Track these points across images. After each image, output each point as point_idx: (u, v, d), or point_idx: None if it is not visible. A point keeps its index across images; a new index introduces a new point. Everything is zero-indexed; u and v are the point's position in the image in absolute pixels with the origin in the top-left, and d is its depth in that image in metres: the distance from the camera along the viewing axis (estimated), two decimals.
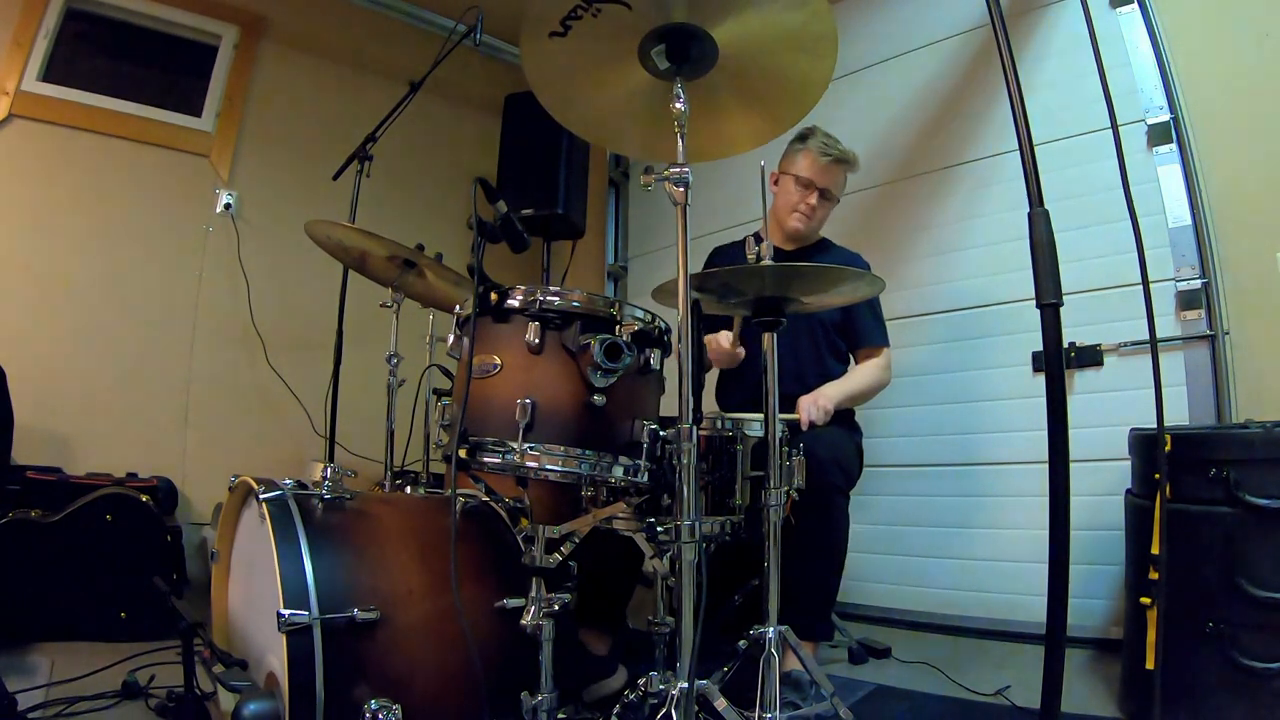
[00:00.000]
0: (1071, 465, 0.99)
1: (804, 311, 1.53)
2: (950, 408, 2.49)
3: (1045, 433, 0.99)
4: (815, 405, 1.83)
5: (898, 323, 2.49)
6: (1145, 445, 1.64)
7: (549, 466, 1.15)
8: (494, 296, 1.20)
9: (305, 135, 3.07)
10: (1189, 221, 2.03)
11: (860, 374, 2.08)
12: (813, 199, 2.07)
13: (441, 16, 3.25)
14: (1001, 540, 2.31)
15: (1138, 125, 2.12)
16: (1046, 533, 0.98)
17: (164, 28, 2.85)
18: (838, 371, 2.09)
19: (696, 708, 1.11)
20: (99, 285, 2.61)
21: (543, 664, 1.19)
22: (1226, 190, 2.02)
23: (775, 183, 2.15)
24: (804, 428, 1.80)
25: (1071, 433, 0.99)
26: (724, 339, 1.88)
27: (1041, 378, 2.00)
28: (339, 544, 1.19)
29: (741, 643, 1.40)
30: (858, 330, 2.10)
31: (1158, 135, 2.10)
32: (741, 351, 1.89)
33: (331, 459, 2.38)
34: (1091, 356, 2.17)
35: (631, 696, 1.31)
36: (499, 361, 1.19)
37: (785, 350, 1.47)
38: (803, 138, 2.08)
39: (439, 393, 1.84)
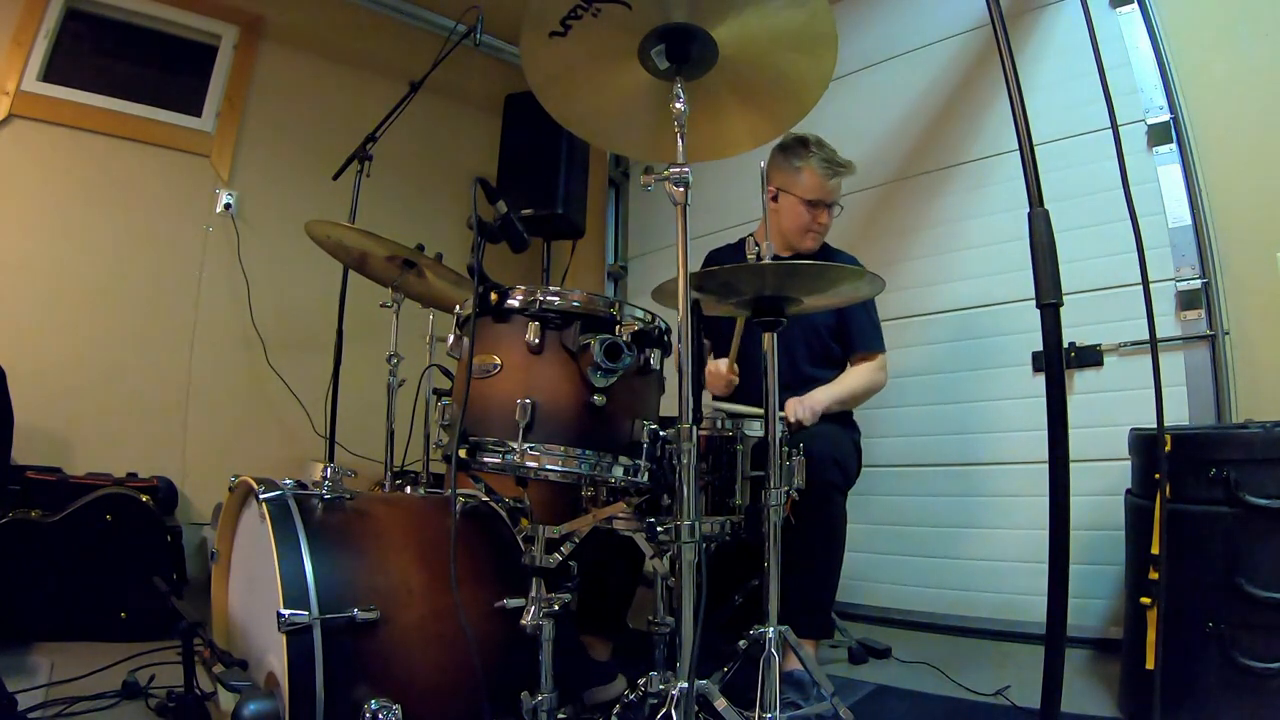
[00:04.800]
0: (1071, 465, 0.99)
1: (802, 312, 1.53)
2: (950, 408, 2.49)
3: (1045, 433, 0.99)
4: (802, 406, 1.84)
5: (897, 323, 2.49)
6: (1145, 445, 1.64)
7: (549, 466, 1.15)
8: (494, 296, 1.20)
9: (305, 135, 3.07)
10: (1189, 221, 2.03)
11: (853, 376, 2.06)
12: (823, 217, 2.04)
13: (441, 16, 3.25)
14: (1001, 540, 2.31)
15: (1138, 125, 2.12)
16: (1046, 533, 0.98)
17: (164, 28, 2.85)
18: (829, 378, 2.06)
19: (696, 708, 1.11)
20: (99, 285, 2.61)
21: (542, 664, 1.19)
22: (1226, 190, 2.02)
23: (774, 199, 2.06)
24: (789, 421, 1.81)
25: (1071, 433, 0.99)
26: (722, 365, 1.90)
27: (1041, 378, 2.01)
28: (339, 544, 1.19)
29: (741, 643, 1.40)
30: (853, 335, 2.09)
31: (1158, 135, 2.09)
32: (736, 379, 1.91)
33: (331, 459, 2.38)
34: (1091, 356, 2.17)
35: (631, 696, 1.32)
36: (499, 361, 1.19)
37: (778, 355, 1.47)
38: (797, 152, 2.00)
39: (439, 393, 1.83)
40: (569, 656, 1.24)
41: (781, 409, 1.82)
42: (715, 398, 1.94)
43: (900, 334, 2.48)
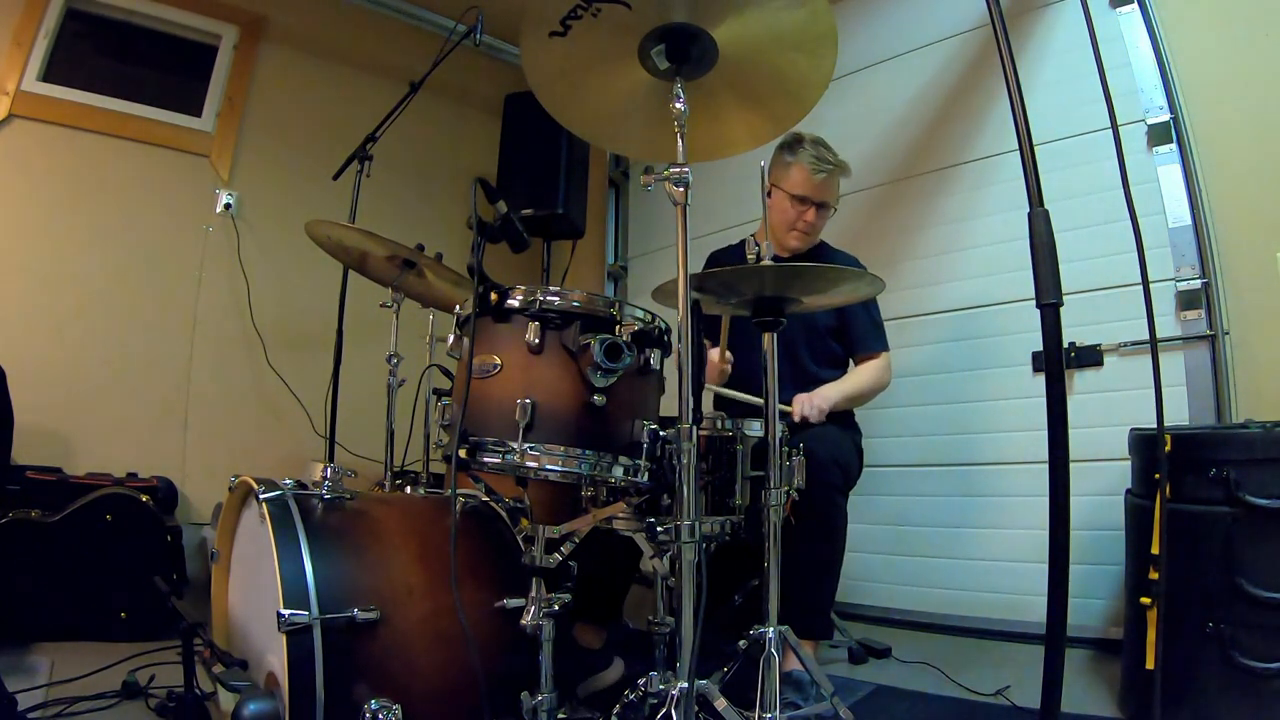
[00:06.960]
0: (1071, 465, 0.99)
1: (802, 313, 1.53)
2: (950, 408, 2.49)
3: (1045, 433, 0.99)
4: (810, 403, 1.84)
5: (898, 323, 2.49)
6: (1145, 445, 1.64)
7: (549, 466, 1.15)
8: (494, 296, 1.19)
9: (305, 135, 3.08)
10: (1189, 221, 2.03)
11: (859, 375, 2.07)
12: (810, 215, 2.02)
13: (441, 16, 3.25)
14: (1001, 540, 2.31)
15: (1138, 125, 2.12)
16: (1046, 533, 0.98)
17: (164, 28, 2.85)
18: (831, 378, 2.05)
19: (696, 708, 1.11)
20: (99, 285, 2.61)
21: (542, 664, 1.19)
22: (1226, 190, 2.02)
23: (769, 195, 2.06)
24: (795, 419, 1.81)
25: (1071, 433, 0.99)
26: (713, 354, 1.90)
27: (1041, 378, 2.00)
28: (339, 544, 1.19)
29: (741, 643, 1.40)
30: (855, 336, 2.09)
31: (1158, 135, 2.09)
32: (729, 367, 1.91)
33: (331, 459, 2.38)
34: (1091, 356, 2.17)
35: (631, 696, 1.31)
36: (499, 361, 1.19)
37: (779, 355, 1.47)
38: (791, 148, 2.00)
39: (439, 393, 1.84)
40: (560, 648, 1.23)
41: (788, 405, 1.83)
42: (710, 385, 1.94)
43: (901, 334, 2.48)
